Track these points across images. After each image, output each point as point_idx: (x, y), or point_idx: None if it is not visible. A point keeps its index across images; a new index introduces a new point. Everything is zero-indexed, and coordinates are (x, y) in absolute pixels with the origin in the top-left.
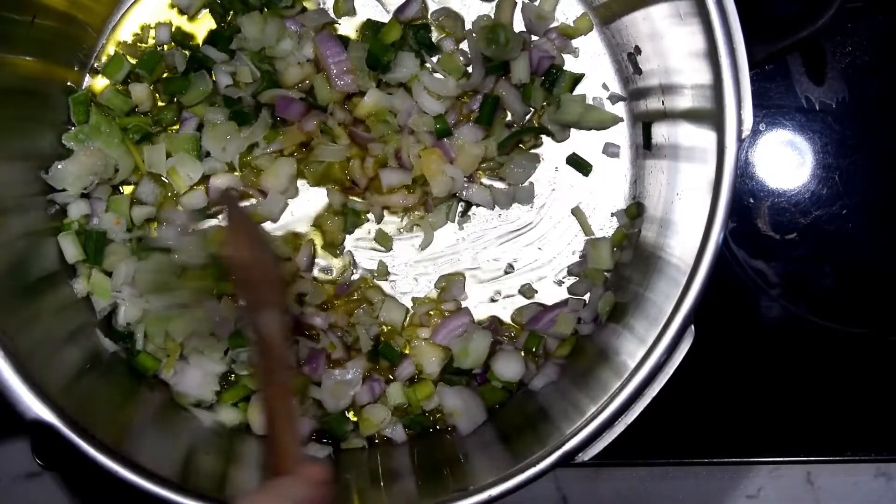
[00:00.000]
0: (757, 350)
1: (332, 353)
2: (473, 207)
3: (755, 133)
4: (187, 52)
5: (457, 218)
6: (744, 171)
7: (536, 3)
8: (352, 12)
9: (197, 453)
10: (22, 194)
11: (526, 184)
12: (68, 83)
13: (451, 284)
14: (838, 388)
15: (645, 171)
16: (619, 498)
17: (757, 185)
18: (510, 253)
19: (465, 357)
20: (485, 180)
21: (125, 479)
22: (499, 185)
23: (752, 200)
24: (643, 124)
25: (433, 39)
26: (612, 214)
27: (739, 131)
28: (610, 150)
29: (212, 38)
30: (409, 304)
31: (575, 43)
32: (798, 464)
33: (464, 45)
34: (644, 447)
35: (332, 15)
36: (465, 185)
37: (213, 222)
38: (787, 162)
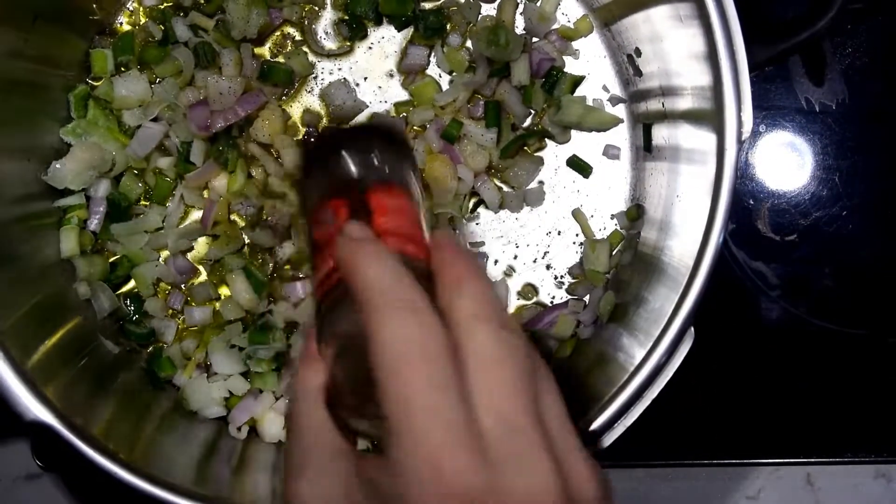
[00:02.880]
0: (757, 351)
1: None
2: (479, 208)
3: (755, 134)
4: (162, 27)
5: (467, 214)
6: (743, 173)
7: (538, 4)
8: None
9: (204, 458)
10: (23, 193)
11: (535, 185)
12: (69, 78)
13: None
14: (838, 390)
15: (645, 173)
16: (620, 499)
17: (757, 187)
18: (510, 254)
19: None
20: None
21: (125, 482)
22: (506, 188)
23: (751, 202)
24: (643, 126)
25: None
26: (613, 216)
27: (739, 133)
28: (610, 152)
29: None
30: None
31: (575, 45)
32: (798, 465)
33: (468, 45)
34: (644, 448)
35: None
36: (478, 183)
37: None
38: (787, 163)
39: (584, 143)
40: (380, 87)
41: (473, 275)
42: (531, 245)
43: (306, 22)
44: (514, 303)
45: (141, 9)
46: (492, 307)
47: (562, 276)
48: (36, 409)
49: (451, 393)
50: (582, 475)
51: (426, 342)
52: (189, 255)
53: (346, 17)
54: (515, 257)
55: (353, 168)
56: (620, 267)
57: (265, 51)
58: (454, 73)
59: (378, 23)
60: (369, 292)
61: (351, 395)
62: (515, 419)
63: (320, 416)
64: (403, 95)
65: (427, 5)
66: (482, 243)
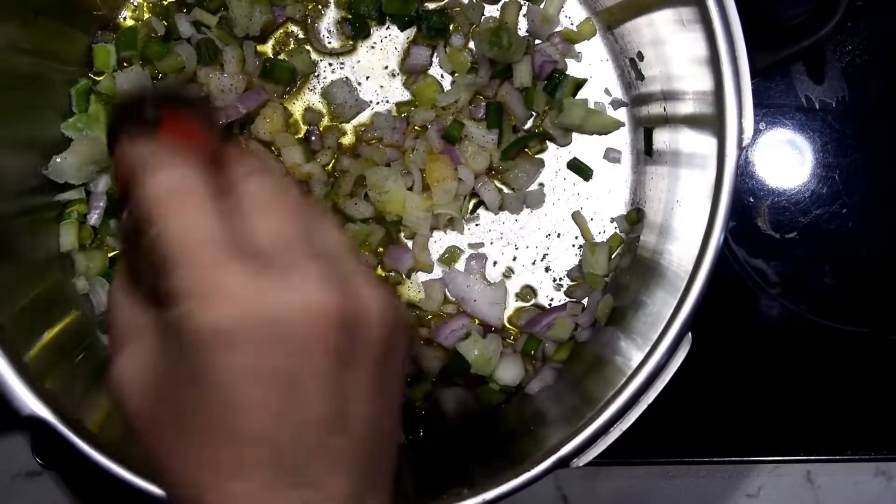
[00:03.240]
0: (756, 349)
1: None
2: (479, 209)
3: (755, 132)
4: (165, 22)
5: (466, 215)
6: (744, 170)
7: (541, 7)
8: None
9: None
10: (24, 186)
11: (535, 187)
12: (71, 73)
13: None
14: (838, 388)
15: (646, 176)
16: (620, 497)
17: (757, 184)
18: (509, 256)
19: (485, 364)
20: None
21: (120, 477)
22: (506, 190)
23: (751, 199)
24: (644, 130)
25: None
26: (613, 220)
27: (740, 139)
28: (611, 156)
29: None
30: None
31: (578, 48)
32: (798, 463)
33: (471, 45)
34: (644, 447)
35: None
36: (479, 184)
37: None
38: (787, 161)
39: (584, 146)
40: (382, 87)
41: (262, 169)
42: (530, 247)
43: (309, 20)
44: (512, 304)
45: (144, 4)
46: (267, 170)
47: (560, 279)
48: (33, 404)
49: (221, 218)
50: (361, 289)
51: (189, 179)
52: None
53: (350, 16)
54: (514, 259)
55: (145, 113)
56: (619, 270)
57: (268, 48)
58: (456, 74)
59: (381, 22)
60: (134, 165)
61: (148, 275)
62: (286, 238)
63: (124, 301)
64: (405, 95)
65: (430, 6)
66: (481, 244)
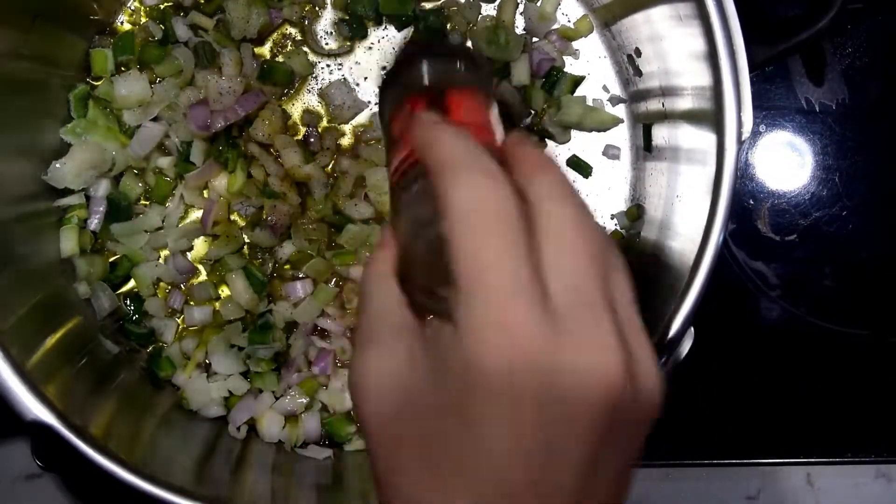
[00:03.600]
0: (757, 351)
1: (341, 355)
2: None
3: (755, 134)
4: (163, 26)
5: None
6: (743, 173)
7: (538, 4)
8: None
9: (203, 457)
10: (23, 192)
11: None
12: (69, 78)
13: None
14: (838, 390)
15: (645, 173)
16: None
17: (757, 187)
18: None
19: None
20: None
21: (124, 481)
22: None
23: (751, 202)
24: (643, 126)
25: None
26: (613, 216)
27: (739, 133)
28: (610, 153)
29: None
30: None
31: (575, 45)
32: (798, 465)
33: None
34: (645, 448)
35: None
36: None
37: None
38: (786, 163)
39: (584, 144)
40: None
41: (549, 165)
42: None
43: (306, 22)
44: None
45: (141, 8)
46: (568, 190)
47: None
48: (36, 409)
49: (521, 254)
50: (645, 363)
51: (499, 201)
52: (189, 255)
53: (347, 17)
54: None
55: (433, 72)
56: None
57: (265, 50)
58: None
59: (378, 23)
60: (443, 159)
61: (422, 271)
62: (585, 290)
63: (388, 294)
64: None
65: (427, 5)
66: None
